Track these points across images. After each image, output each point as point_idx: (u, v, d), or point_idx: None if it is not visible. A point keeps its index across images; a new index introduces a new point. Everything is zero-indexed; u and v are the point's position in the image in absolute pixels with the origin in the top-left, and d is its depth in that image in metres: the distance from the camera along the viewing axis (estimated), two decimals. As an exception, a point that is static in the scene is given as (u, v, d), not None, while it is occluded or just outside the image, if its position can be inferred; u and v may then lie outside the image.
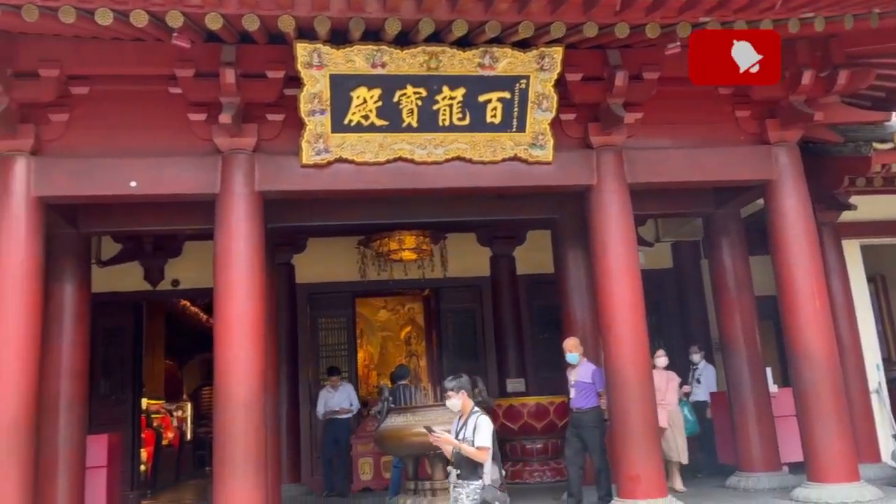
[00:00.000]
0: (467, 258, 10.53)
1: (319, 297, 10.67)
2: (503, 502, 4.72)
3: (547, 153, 6.82)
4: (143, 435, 10.67)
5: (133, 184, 6.39)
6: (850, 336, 8.19)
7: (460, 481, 4.72)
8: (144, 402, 11.24)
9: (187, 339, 15.97)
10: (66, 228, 7.24)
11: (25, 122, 6.22)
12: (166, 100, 6.54)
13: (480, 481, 4.66)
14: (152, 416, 12.11)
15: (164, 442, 12.22)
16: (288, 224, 7.86)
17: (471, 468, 4.71)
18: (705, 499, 7.26)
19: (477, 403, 7.21)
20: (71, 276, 7.33)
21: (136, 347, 10.49)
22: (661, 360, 7.89)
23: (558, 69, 6.50)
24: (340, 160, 6.60)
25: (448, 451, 4.83)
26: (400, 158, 6.65)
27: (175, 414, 14.20)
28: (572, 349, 7.16)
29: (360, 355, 13.86)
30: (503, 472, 5.05)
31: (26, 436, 5.84)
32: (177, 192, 6.55)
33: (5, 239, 6.04)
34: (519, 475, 9.11)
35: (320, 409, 9.44)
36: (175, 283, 10.18)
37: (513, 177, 6.88)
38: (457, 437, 4.84)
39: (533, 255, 10.35)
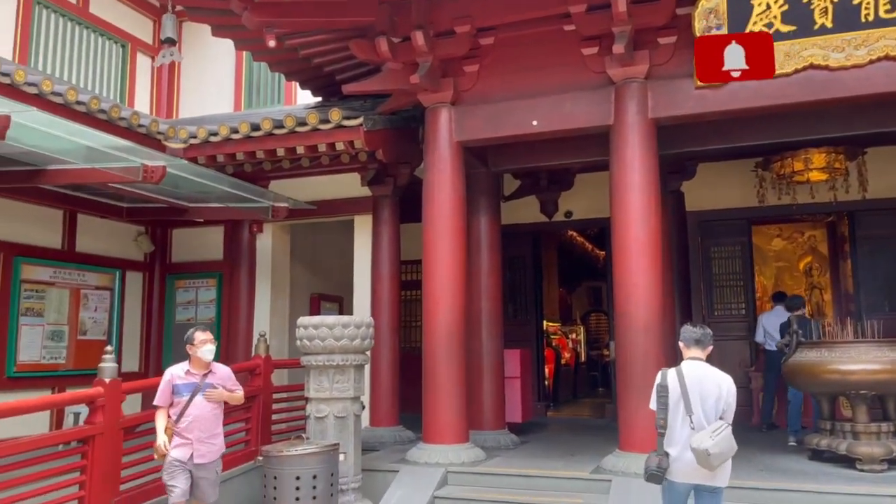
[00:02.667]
0: (892, 175, 9.03)
1: (710, 224, 10.25)
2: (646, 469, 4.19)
3: None
4: (544, 353, 11.72)
5: (534, 123, 6.90)
6: None
7: None
8: (544, 323, 12.29)
9: (575, 268, 16.93)
10: (479, 168, 8.18)
11: (445, 76, 7.14)
12: (560, 38, 6.86)
13: None
14: (551, 336, 13.22)
15: (563, 361, 13.26)
16: (679, 150, 7.67)
17: None
18: None
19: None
20: (484, 209, 8.31)
21: (535, 274, 11.48)
22: None
23: None
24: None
25: None
26: (810, 66, 5.96)
27: (570, 336, 15.27)
28: None
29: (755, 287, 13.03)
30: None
31: (458, 341, 6.93)
32: (572, 127, 6.89)
33: (437, 180, 7.09)
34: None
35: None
36: (568, 214, 10.78)
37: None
38: None
39: None
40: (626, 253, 6.48)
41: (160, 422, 5.20)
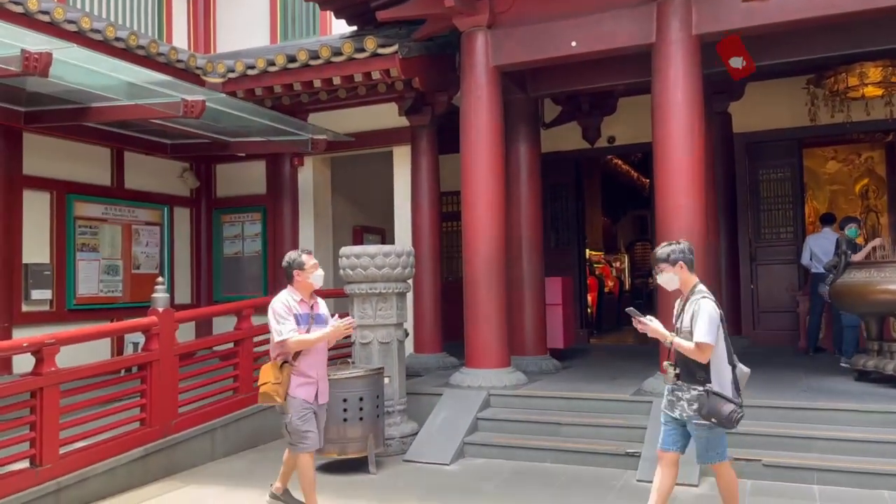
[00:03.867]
0: (954, 89, 8.57)
1: (759, 146, 9.95)
2: (729, 420, 3.62)
3: None
4: (587, 281, 11.72)
5: (574, 43, 6.71)
6: None
7: (679, 383, 3.84)
8: (587, 252, 12.24)
9: (620, 196, 16.68)
10: (517, 93, 8.04)
11: (481, -1, 6.96)
12: (597, -47, 6.58)
13: (702, 388, 3.69)
14: (594, 265, 13.18)
15: (606, 289, 13.24)
16: (722, 68, 7.39)
17: (687, 370, 3.78)
18: None
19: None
20: (524, 137, 8.22)
21: (577, 202, 11.37)
22: None
23: None
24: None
25: (664, 341, 3.84)
26: (869, -29, 5.61)
27: (613, 265, 15.20)
28: None
29: (806, 210, 12.68)
30: (739, 381, 3.81)
31: (498, 269, 6.97)
32: (613, 47, 6.68)
33: (474, 105, 7.01)
34: None
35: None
36: (611, 139, 10.58)
37: None
38: (676, 323, 3.88)
39: None
40: (669, 175, 6.36)
41: (304, 341, 4.43)
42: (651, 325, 3.84)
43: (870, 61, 7.76)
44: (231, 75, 8.13)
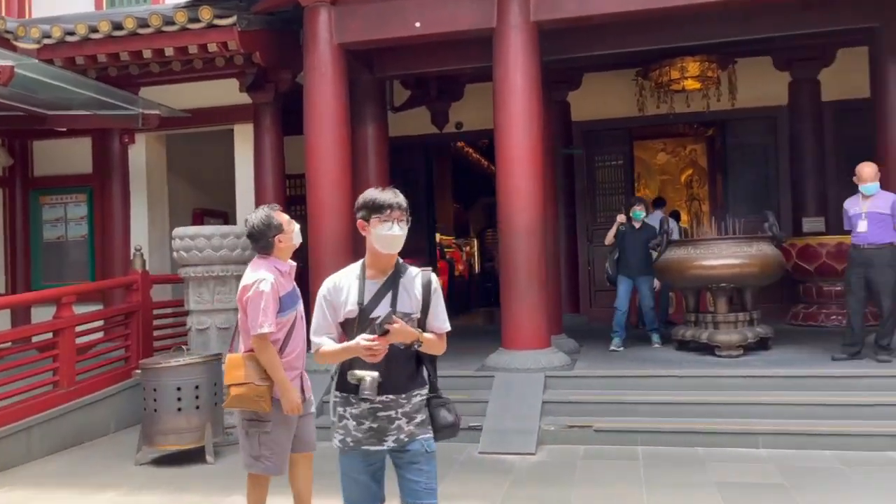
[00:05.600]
0: (761, 85, 9.49)
1: (595, 134, 10.53)
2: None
3: (869, -57, 5.68)
4: (438, 265, 11.89)
5: (417, 24, 6.72)
6: None
7: (390, 396, 2.54)
8: (437, 236, 12.41)
9: (472, 184, 17.07)
10: (364, 74, 7.95)
11: (324, -28, 6.78)
12: (443, -64, 6.63)
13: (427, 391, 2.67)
14: (445, 249, 13.40)
15: (456, 273, 13.52)
16: (563, 56, 7.71)
17: (406, 372, 2.61)
18: None
19: (769, 238, 6.83)
20: (371, 118, 8.15)
21: (427, 187, 11.48)
22: None
23: None
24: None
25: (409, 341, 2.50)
26: (687, -32, 6.05)
27: (464, 249, 15.54)
28: (872, 178, 6.07)
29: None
30: None
31: (344, 250, 6.60)
32: (456, 29, 6.75)
33: (318, 84, 6.84)
34: (813, 318, 8.54)
35: None
36: (458, 125, 10.75)
37: (822, -23, 5.91)
38: (369, 310, 2.55)
39: (843, 78, 9.01)
40: (509, 158, 6.56)
41: (279, 365, 3.35)
42: (396, 330, 2.42)
43: (689, 56, 8.40)
44: (48, 41, 7.37)
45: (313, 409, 3.71)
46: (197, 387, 5.47)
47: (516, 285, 6.51)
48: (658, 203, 9.60)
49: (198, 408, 5.46)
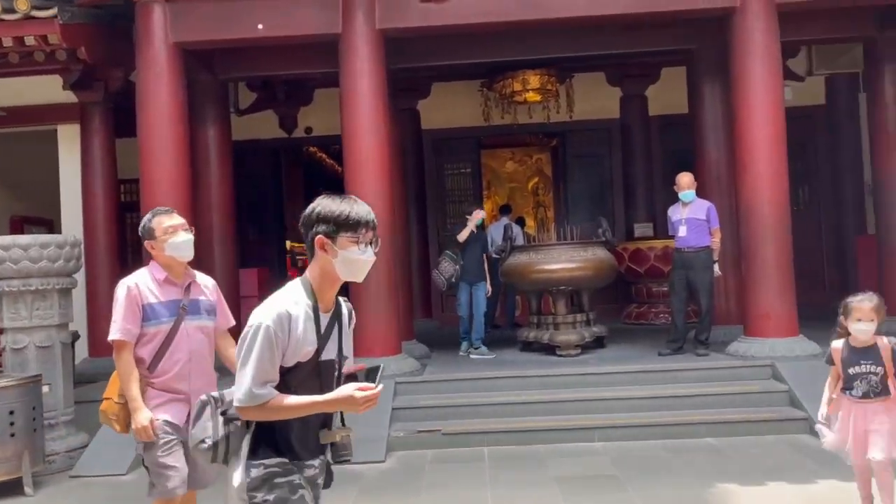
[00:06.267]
0: (596, 99, 10.12)
1: (444, 143, 10.76)
2: None
3: (684, -28, 6.22)
4: (289, 273, 11.59)
5: (260, 26, 6.53)
6: None
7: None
8: (288, 244, 12.11)
9: (327, 189, 16.73)
10: (205, 74, 7.61)
11: (158, -32, 6.42)
12: (286, -62, 6.49)
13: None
14: (297, 256, 13.09)
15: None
16: (410, 65, 7.81)
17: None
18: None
19: (601, 244, 7.27)
20: (213, 121, 7.82)
21: (277, 193, 11.19)
22: None
23: None
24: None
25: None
26: (523, -14, 6.32)
27: (316, 257, 15.23)
28: (689, 186, 6.61)
29: (488, 205, 14.04)
30: None
31: None
32: (301, 34, 6.64)
33: (153, 83, 6.46)
34: (644, 316, 9.21)
35: None
36: (308, 130, 10.57)
37: (647, 1, 6.38)
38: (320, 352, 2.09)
39: (667, 95, 9.78)
40: (357, 165, 6.53)
41: (130, 379, 3.04)
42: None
43: (531, 69, 8.80)
44: None
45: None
46: (12, 412, 4.95)
47: (366, 291, 6.47)
48: (504, 210, 9.96)
49: (13, 435, 4.94)
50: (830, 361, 3.58)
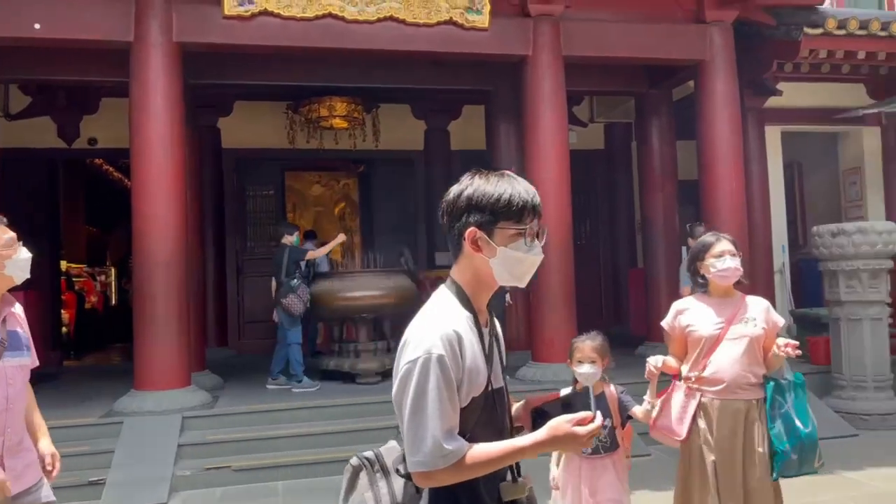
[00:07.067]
0: (401, 130, 10.37)
1: (247, 163, 10.41)
2: None
3: (483, 18, 6.62)
4: (63, 297, 10.48)
5: (37, 25, 5.92)
6: (763, 218, 8.58)
7: None
8: (64, 264, 10.96)
9: (113, 206, 15.48)
10: (-35, 73, 6.72)
11: None
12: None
13: None
14: (74, 279, 11.88)
15: (88, 305, 12.07)
16: (211, 81, 7.51)
17: None
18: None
19: (403, 272, 7.41)
20: (-26, 125, 6.89)
21: (51, 208, 10.11)
22: None
23: (499, -74, 6.21)
24: (265, 13, 6.25)
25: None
26: (329, 15, 6.34)
27: (98, 279, 13.97)
28: None
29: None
30: None
31: None
32: (86, 38, 6.13)
33: None
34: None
35: None
36: (92, 141, 9.69)
37: (447, 42, 6.68)
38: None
39: (468, 131, 10.27)
40: (147, 182, 6.10)
41: None
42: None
43: (338, 96, 8.81)
44: None
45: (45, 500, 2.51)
46: None
47: (152, 320, 6.03)
48: (309, 236, 9.79)
49: None
50: None
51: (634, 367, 7.63)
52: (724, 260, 3.03)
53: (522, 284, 1.61)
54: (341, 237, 7.45)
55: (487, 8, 6.60)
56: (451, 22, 6.59)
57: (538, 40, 6.84)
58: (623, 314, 10.71)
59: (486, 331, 1.59)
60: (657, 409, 3.11)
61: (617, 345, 8.93)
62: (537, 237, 1.59)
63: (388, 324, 7.34)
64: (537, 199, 1.58)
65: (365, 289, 6.99)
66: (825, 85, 8.60)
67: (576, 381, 3.12)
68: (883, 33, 7.38)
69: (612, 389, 3.21)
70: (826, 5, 7.48)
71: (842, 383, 6.62)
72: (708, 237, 3.16)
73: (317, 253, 7.41)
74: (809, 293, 8.62)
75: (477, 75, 8.05)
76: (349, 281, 7.12)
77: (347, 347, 7.15)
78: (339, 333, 7.42)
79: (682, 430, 3.05)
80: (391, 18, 6.45)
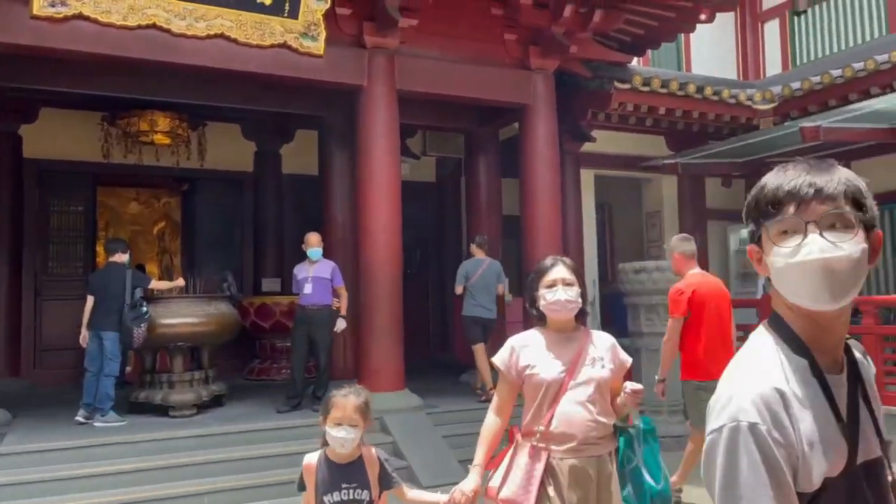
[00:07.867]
0: (229, 150, 9.99)
1: (53, 176, 9.47)
2: None
3: (318, 45, 6.60)
4: None
5: None
6: (577, 254, 9.21)
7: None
8: None
9: None
10: None
11: None
12: None
13: None
14: None
15: None
16: (16, 84, 6.81)
17: None
18: (440, 394, 7.82)
19: (226, 298, 7.09)
20: None
21: None
22: None
23: (337, -43, 6.26)
24: (81, 17, 5.80)
25: None
26: (154, 26, 6.01)
27: None
28: (317, 244, 6.87)
29: (100, 248, 12.72)
30: None
31: None
32: None
33: None
34: (266, 372, 9.17)
35: None
36: None
37: (280, 65, 6.58)
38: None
39: (300, 155, 10.11)
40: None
41: None
42: None
43: (160, 111, 8.32)
44: None
45: None
46: None
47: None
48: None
49: None
50: (302, 486, 2.60)
51: (458, 394, 7.91)
52: (554, 292, 2.60)
53: (828, 306, 1.12)
54: (181, 282, 7.03)
55: (323, 35, 6.58)
56: (285, 45, 6.50)
57: (373, 71, 6.93)
58: (449, 342, 10.97)
59: (838, 380, 1.16)
60: (499, 475, 2.61)
61: (443, 373, 9.23)
62: (822, 232, 1.10)
63: (207, 352, 6.97)
64: (812, 178, 1.11)
65: (182, 315, 6.61)
66: (631, 135, 9.50)
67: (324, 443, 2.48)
68: (681, 93, 8.33)
69: (372, 452, 2.64)
70: (634, 63, 8.31)
71: (642, 409, 7.22)
72: (546, 261, 2.73)
73: (160, 285, 6.89)
74: (617, 325, 9.37)
75: (311, 101, 7.99)
76: (164, 307, 6.69)
77: (160, 378, 6.68)
78: (151, 363, 6.91)
79: (530, 500, 2.52)
80: (222, 36, 6.24)
